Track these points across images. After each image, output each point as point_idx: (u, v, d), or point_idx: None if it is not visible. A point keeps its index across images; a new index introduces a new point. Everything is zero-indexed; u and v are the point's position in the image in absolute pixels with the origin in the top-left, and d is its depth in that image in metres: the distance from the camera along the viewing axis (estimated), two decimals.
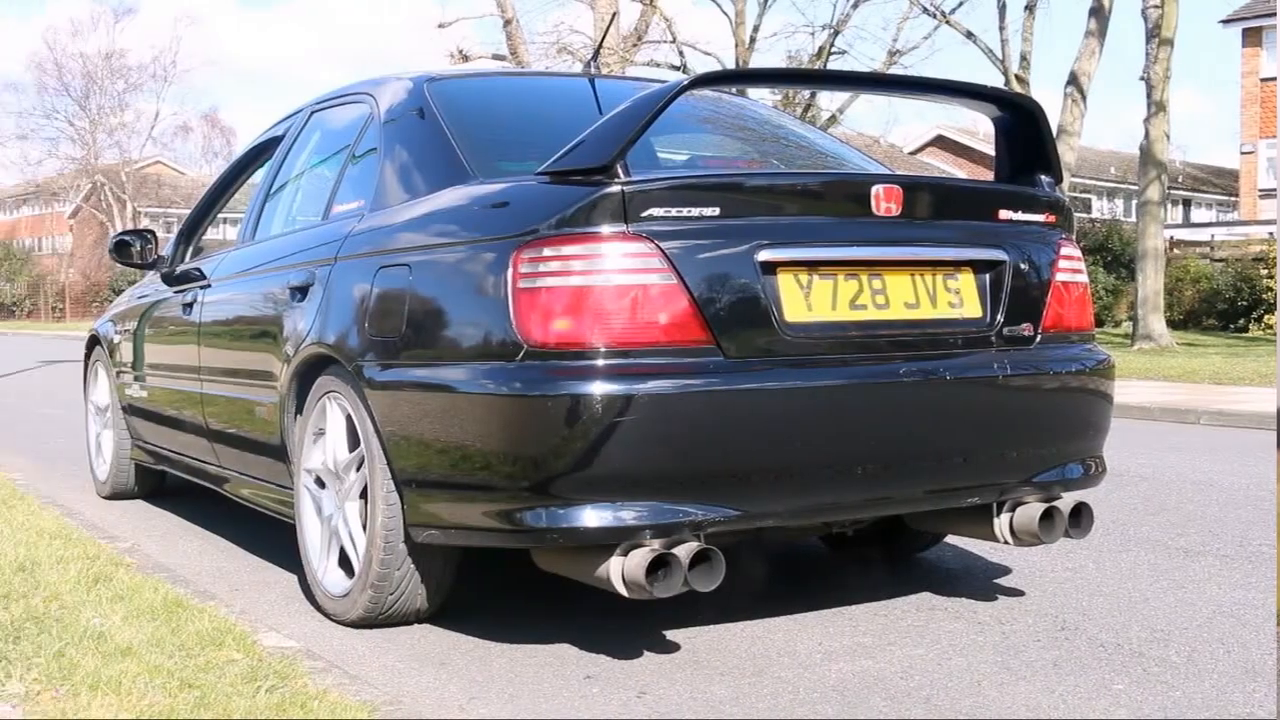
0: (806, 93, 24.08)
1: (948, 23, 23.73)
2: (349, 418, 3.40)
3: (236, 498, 4.36)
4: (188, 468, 4.84)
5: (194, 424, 4.63)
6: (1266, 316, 20.84)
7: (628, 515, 2.83)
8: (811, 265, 3.05)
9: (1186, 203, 48.46)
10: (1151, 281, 17.38)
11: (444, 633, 3.36)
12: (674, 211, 2.90)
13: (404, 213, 3.41)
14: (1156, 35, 17.50)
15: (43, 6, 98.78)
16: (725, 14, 25.31)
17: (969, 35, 23.26)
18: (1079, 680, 2.89)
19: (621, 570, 2.86)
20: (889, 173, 3.77)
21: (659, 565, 2.84)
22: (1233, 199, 42.10)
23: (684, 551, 2.84)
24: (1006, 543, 3.43)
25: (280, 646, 3.06)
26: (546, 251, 2.86)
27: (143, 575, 3.76)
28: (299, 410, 3.69)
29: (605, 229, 2.85)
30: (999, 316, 3.30)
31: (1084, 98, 19.44)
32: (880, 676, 2.93)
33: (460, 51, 24.39)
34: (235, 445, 4.27)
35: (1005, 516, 3.40)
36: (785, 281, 3.01)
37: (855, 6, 25.11)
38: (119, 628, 3.12)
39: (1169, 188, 22.96)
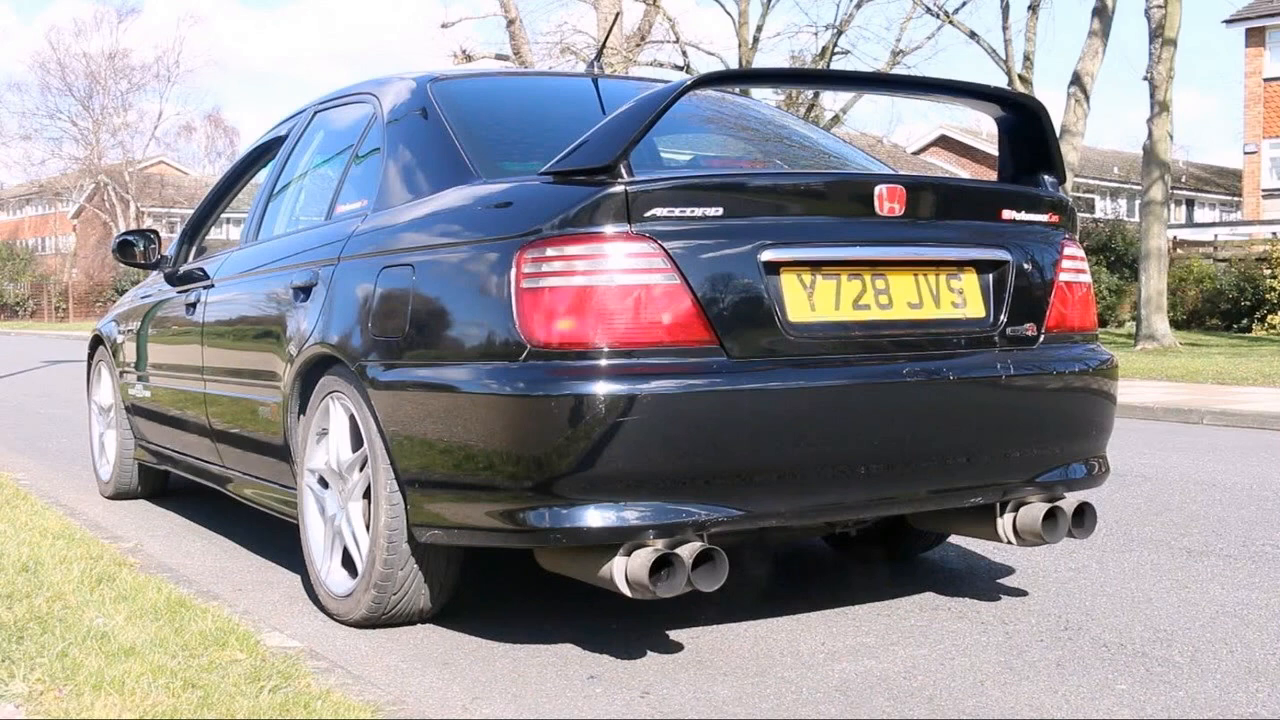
0: (810, 93, 24.08)
1: (951, 23, 23.74)
2: (352, 418, 3.40)
3: (240, 498, 4.36)
4: (191, 468, 4.84)
5: (197, 424, 4.63)
6: (1270, 316, 20.83)
7: (631, 515, 2.83)
8: (815, 265, 3.05)
9: (1190, 203, 48.43)
10: (1155, 281, 17.37)
11: (447, 633, 3.36)
12: (677, 211, 2.90)
13: (407, 213, 3.41)
14: (1159, 35, 17.50)
15: (46, 6, 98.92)
16: (728, 14, 25.36)
17: (972, 35, 23.28)
18: (1082, 680, 2.89)
19: (625, 570, 2.86)
20: (892, 173, 3.77)
21: (662, 565, 2.84)
22: (1236, 199, 42.07)
23: (687, 551, 2.84)
24: (1009, 543, 3.42)
25: (283, 646, 3.07)
26: (550, 251, 2.86)
27: (146, 575, 3.77)
28: (302, 410, 3.69)
29: (608, 229, 2.85)
30: (1002, 316, 3.30)
31: (1087, 98, 19.44)
32: (883, 676, 2.93)
33: (463, 51, 24.42)
34: (238, 445, 4.27)
35: (1008, 516, 3.39)
36: (789, 281, 3.01)
37: (859, 6, 25.14)
38: (122, 628, 3.12)
39: (1172, 188, 22.96)
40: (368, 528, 3.34)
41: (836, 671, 2.97)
